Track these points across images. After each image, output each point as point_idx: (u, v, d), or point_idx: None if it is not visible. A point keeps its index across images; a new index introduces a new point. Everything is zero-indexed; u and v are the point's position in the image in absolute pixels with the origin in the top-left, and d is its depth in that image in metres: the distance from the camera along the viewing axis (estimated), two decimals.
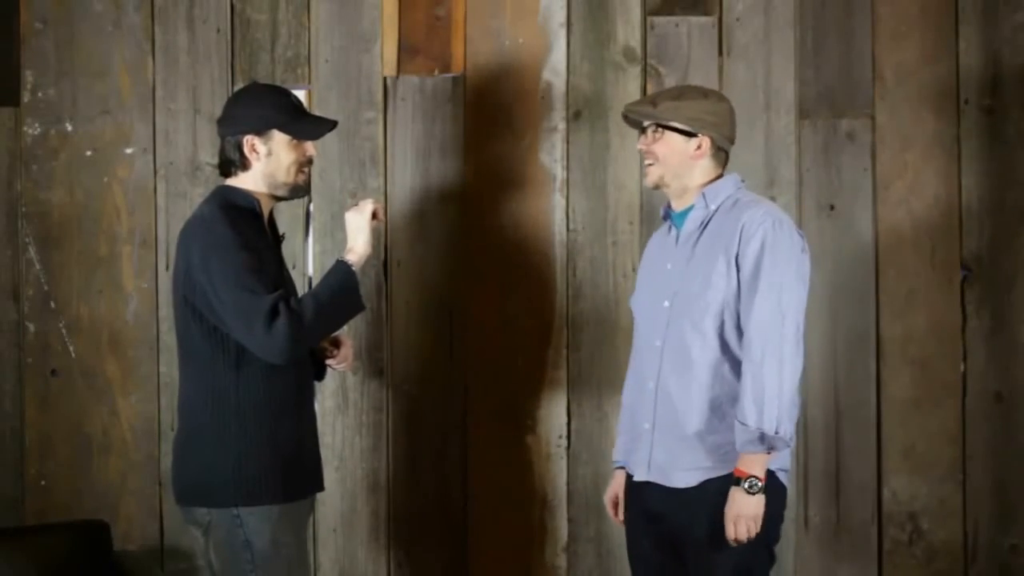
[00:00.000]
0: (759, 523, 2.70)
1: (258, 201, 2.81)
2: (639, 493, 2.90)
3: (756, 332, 2.69)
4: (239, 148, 2.79)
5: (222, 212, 2.73)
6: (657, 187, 2.91)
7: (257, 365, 2.70)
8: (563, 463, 3.55)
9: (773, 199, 3.50)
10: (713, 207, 2.84)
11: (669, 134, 2.86)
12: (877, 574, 3.53)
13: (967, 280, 3.52)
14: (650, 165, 2.89)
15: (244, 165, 2.80)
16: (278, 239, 2.92)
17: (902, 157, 3.53)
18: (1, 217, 3.53)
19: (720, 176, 2.89)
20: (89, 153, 3.54)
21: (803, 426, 3.50)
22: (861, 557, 3.53)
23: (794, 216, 3.50)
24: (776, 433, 2.66)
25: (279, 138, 2.79)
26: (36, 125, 3.53)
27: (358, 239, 2.81)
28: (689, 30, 3.55)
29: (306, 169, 2.85)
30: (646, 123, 2.90)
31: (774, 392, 2.66)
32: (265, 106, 2.80)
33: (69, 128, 3.54)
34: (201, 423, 2.74)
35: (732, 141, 2.92)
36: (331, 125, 2.89)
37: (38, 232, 3.53)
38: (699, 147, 2.85)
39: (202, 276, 2.68)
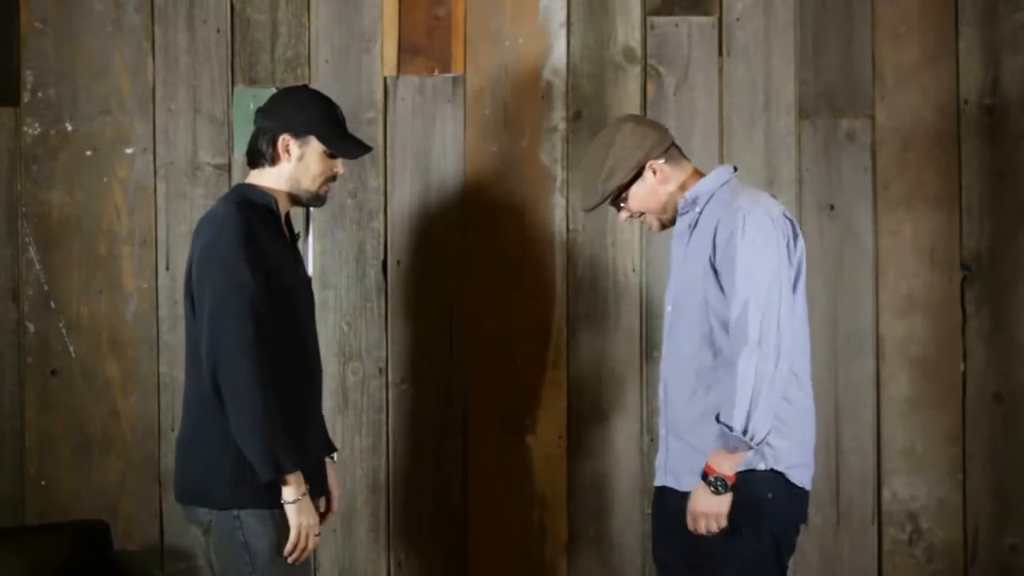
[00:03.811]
0: (722, 521, 2.67)
1: (275, 199, 2.79)
2: (661, 497, 2.91)
3: (733, 331, 2.67)
4: (273, 143, 2.78)
5: (237, 210, 2.71)
6: (667, 227, 2.90)
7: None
8: (563, 463, 3.55)
9: (773, 198, 3.50)
10: (698, 209, 2.82)
11: (629, 191, 2.84)
12: (877, 574, 3.52)
13: (967, 280, 3.52)
14: (643, 219, 2.90)
15: (273, 160, 2.79)
16: (294, 238, 2.91)
17: (902, 157, 3.53)
18: (1, 217, 3.52)
19: (698, 173, 2.87)
20: (89, 153, 3.54)
21: None
22: (861, 557, 3.53)
23: (794, 216, 3.49)
24: (744, 433, 2.61)
25: (315, 146, 2.79)
26: (36, 125, 3.53)
27: (299, 520, 2.68)
28: (689, 30, 3.55)
29: (330, 184, 2.86)
30: (609, 204, 2.88)
31: (746, 390, 2.61)
32: (312, 111, 2.80)
33: (69, 128, 3.53)
34: (204, 422, 2.72)
35: (665, 139, 2.86)
36: (367, 149, 2.88)
37: (38, 232, 3.52)
38: (655, 173, 2.83)
39: (196, 275, 2.69)
